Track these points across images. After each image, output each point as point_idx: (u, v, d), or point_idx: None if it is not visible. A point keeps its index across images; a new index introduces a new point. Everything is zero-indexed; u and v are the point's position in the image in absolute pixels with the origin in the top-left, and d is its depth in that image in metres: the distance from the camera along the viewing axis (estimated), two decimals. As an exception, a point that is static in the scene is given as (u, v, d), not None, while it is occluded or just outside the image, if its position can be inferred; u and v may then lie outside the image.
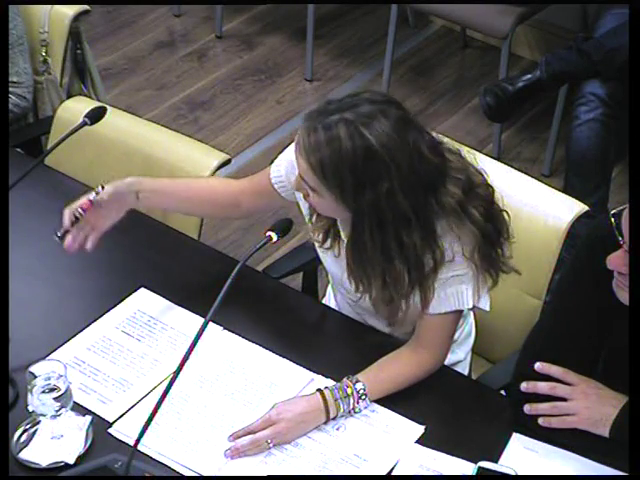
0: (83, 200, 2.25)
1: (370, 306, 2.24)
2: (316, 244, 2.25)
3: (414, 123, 2.02)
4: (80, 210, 2.24)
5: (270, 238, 2.05)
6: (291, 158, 2.23)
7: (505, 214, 2.14)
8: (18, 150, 2.88)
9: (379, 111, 1.98)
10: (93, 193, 2.25)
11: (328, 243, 2.20)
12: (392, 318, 2.17)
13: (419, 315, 2.16)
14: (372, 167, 1.96)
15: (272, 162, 2.33)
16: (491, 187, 2.12)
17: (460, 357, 2.38)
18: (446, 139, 2.13)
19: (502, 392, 2.23)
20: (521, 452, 2.04)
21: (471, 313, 2.40)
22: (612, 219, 1.86)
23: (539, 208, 2.40)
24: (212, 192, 2.40)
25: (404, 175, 1.97)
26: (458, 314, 2.17)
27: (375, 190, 1.97)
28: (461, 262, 2.08)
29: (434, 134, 2.08)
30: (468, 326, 2.40)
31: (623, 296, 1.92)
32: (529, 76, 3.73)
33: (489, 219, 2.08)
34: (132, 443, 1.88)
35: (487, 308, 2.19)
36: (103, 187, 2.26)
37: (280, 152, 2.32)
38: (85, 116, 2.41)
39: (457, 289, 2.10)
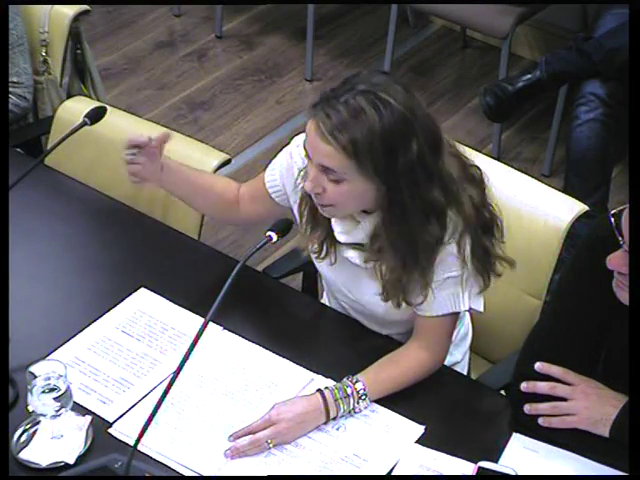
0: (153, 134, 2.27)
1: (365, 309, 2.24)
2: (312, 255, 2.24)
3: (410, 88, 2.04)
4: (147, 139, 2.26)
5: (270, 238, 2.05)
6: (285, 163, 2.24)
7: (496, 208, 2.13)
8: (18, 150, 2.88)
9: (387, 78, 2.00)
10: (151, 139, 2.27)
11: (324, 253, 2.19)
12: (398, 301, 2.13)
13: (417, 316, 2.16)
14: (401, 130, 1.95)
15: (266, 167, 2.32)
16: (481, 171, 2.11)
17: (457, 358, 2.38)
18: None
19: (502, 392, 2.23)
20: (521, 452, 2.04)
21: (467, 314, 2.40)
22: (612, 219, 1.86)
23: (539, 208, 2.40)
24: (214, 187, 2.39)
25: (426, 133, 1.98)
26: (455, 315, 2.18)
27: (407, 154, 1.96)
28: (454, 262, 2.07)
29: None
30: (464, 327, 2.40)
31: (623, 296, 1.92)
32: (529, 76, 3.73)
33: (481, 211, 2.08)
34: (132, 443, 1.88)
35: (481, 309, 2.19)
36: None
37: (274, 157, 2.31)
38: (85, 116, 2.41)
39: (452, 291, 2.10)
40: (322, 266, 2.26)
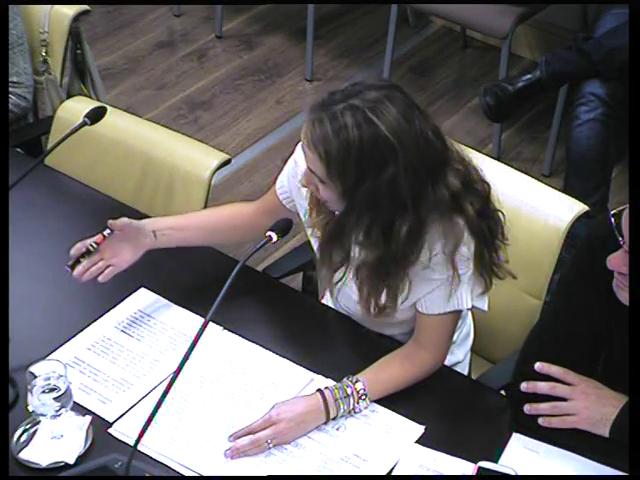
0: (97, 236, 2.25)
1: (349, 304, 2.23)
2: (312, 239, 2.24)
3: (417, 107, 2.02)
4: (93, 243, 2.23)
5: (270, 238, 2.05)
6: (292, 170, 2.24)
7: (500, 214, 2.13)
8: (18, 150, 2.89)
9: (385, 96, 1.98)
10: (107, 229, 2.24)
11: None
12: (366, 307, 2.15)
13: (418, 315, 2.16)
14: (379, 153, 1.95)
15: (277, 175, 2.33)
16: (487, 184, 2.11)
17: (459, 358, 2.38)
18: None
19: (502, 392, 2.23)
20: (521, 452, 2.04)
21: (469, 314, 2.40)
22: (612, 219, 1.86)
23: (539, 208, 2.40)
24: (231, 219, 2.41)
25: (410, 159, 1.96)
26: (456, 314, 2.17)
27: (378, 176, 1.96)
28: (441, 263, 2.07)
29: None
30: (466, 327, 2.40)
31: (623, 296, 1.92)
32: (529, 76, 3.73)
33: (484, 217, 2.08)
34: (132, 443, 1.88)
35: (485, 308, 2.19)
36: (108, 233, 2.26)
37: (282, 159, 2.32)
38: (85, 116, 2.41)
39: (454, 289, 2.10)
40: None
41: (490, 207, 2.11)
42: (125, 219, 2.27)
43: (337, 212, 2.14)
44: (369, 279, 2.11)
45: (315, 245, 2.26)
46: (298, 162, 2.22)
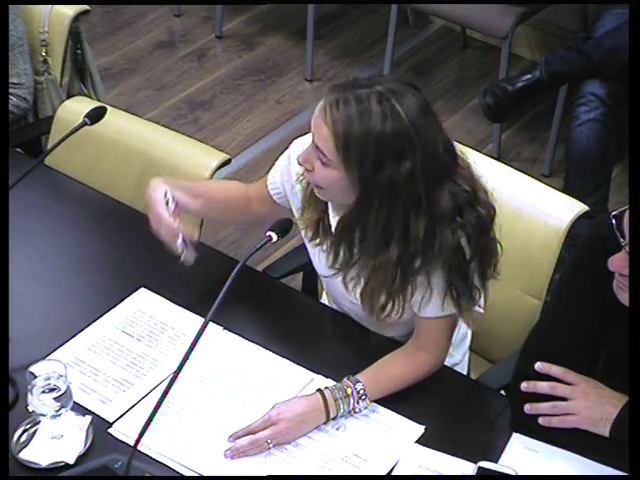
0: (166, 215, 2.22)
1: (357, 309, 2.23)
2: (305, 240, 2.24)
3: (434, 112, 2.02)
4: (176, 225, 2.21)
5: (270, 238, 2.05)
6: (285, 164, 2.24)
7: (498, 246, 2.10)
8: (18, 150, 2.88)
9: (407, 90, 1.98)
10: (170, 204, 2.22)
11: (318, 239, 2.19)
12: (369, 310, 2.14)
13: (416, 318, 2.16)
14: (399, 144, 1.94)
15: (269, 170, 2.32)
16: (494, 210, 2.09)
17: (457, 359, 2.38)
18: (458, 146, 2.10)
19: (502, 392, 2.23)
20: (521, 452, 2.04)
21: (466, 315, 2.40)
22: (613, 220, 1.85)
23: (539, 208, 2.40)
24: (226, 194, 2.40)
25: (426, 159, 1.96)
26: (455, 317, 2.17)
27: (396, 168, 1.95)
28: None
29: None
30: (464, 328, 2.39)
31: (624, 297, 1.92)
32: (529, 76, 3.73)
33: (476, 251, 2.05)
34: (132, 443, 1.88)
35: (481, 310, 2.18)
36: (172, 197, 2.23)
37: (277, 158, 2.31)
38: (85, 116, 2.41)
39: (451, 293, 2.10)
40: (316, 255, 2.25)
41: (490, 233, 2.08)
42: (174, 194, 2.24)
43: (331, 207, 2.13)
44: (381, 279, 2.08)
45: (308, 246, 2.26)
46: (292, 161, 2.21)
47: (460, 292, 2.08)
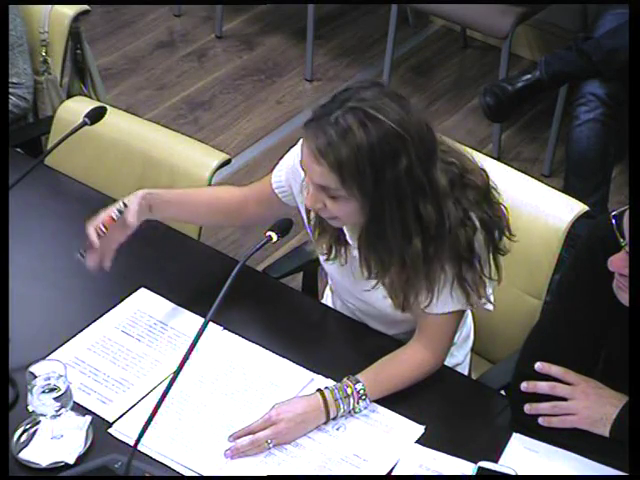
0: (104, 217, 2.20)
1: (372, 310, 2.23)
2: (321, 257, 2.24)
3: (404, 98, 2.01)
4: (102, 227, 2.19)
5: (270, 238, 2.05)
6: (292, 163, 2.23)
7: (502, 207, 2.11)
8: (18, 150, 2.88)
9: (378, 92, 1.97)
10: (115, 210, 2.20)
11: (333, 254, 2.19)
12: (404, 304, 2.13)
13: (421, 314, 2.16)
14: (389, 147, 1.94)
15: (273, 168, 2.32)
16: (485, 172, 2.09)
17: (459, 360, 2.38)
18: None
19: (502, 392, 2.23)
20: (521, 452, 2.04)
21: (469, 315, 2.40)
22: (614, 221, 1.85)
23: (539, 208, 2.40)
24: (218, 200, 2.40)
25: (418, 146, 1.96)
26: (461, 313, 2.17)
27: (395, 170, 1.95)
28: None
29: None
30: (466, 328, 2.40)
31: (624, 297, 1.92)
32: (529, 76, 3.73)
33: (482, 219, 2.05)
34: (132, 443, 1.88)
35: (490, 308, 2.18)
36: (125, 204, 2.21)
37: (280, 157, 2.31)
38: (85, 116, 2.41)
39: (460, 288, 2.10)
40: (330, 267, 2.25)
41: (490, 198, 2.09)
42: (134, 206, 2.21)
43: (347, 229, 2.13)
44: (415, 274, 2.07)
45: (323, 263, 2.25)
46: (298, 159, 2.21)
47: (469, 280, 2.07)
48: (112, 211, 2.21)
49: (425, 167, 1.98)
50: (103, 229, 2.19)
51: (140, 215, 2.23)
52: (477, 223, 2.04)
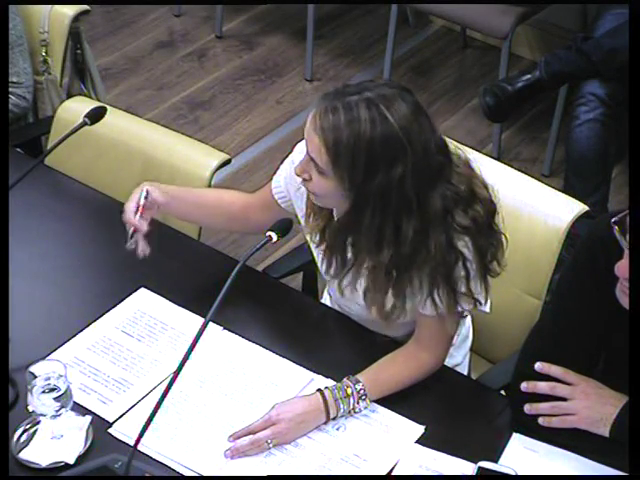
0: (134, 205, 2.24)
1: (368, 314, 2.23)
2: (312, 245, 2.24)
3: (426, 113, 2.02)
4: (140, 213, 2.23)
5: (270, 238, 2.05)
6: (289, 170, 2.24)
7: (503, 238, 2.10)
8: (18, 150, 2.88)
9: (398, 94, 1.98)
10: (142, 198, 2.24)
11: (324, 244, 2.19)
12: (381, 313, 2.15)
13: (419, 315, 2.16)
14: (389, 150, 1.94)
15: (274, 173, 2.32)
16: (493, 204, 2.08)
17: (458, 360, 2.38)
18: (454, 143, 2.10)
19: (502, 392, 2.23)
20: (521, 452, 2.04)
21: (468, 317, 2.40)
22: (614, 228, 1.83)
23: (539, 208, 2.40)
24: (222, 203, 2.40)
25: (418, 162, 1.96)
26: (458, 315, 2.17)
27: (388, 174, 1.95)
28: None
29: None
30: (465, 329, 2.40)
31: (627, 302, 1.90)
32: (529, 76, 3.73)
33: (474, 249, 2.05)
34: (132, 443, 1.88)
35: (487, 310, 2.18)
36: (147, 192, 2.25)
37: (281, 161, 2.31)
38: (85, 116, 2.41)
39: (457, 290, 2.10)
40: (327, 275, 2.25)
41: (493, 227, 2.09)
42: (156, 194, 2.26)
43: (335, 213, 2.13)
44: (378, 281, 2.09)
45: (315, 251, 2.26)
46: (295, 164, 2.21)
47: (458, 293, 2.07)
48: (138, 199, 2.24)
49: (419, 185, 1.97)
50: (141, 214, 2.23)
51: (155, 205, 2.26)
52: (468, 250, 2.04)
